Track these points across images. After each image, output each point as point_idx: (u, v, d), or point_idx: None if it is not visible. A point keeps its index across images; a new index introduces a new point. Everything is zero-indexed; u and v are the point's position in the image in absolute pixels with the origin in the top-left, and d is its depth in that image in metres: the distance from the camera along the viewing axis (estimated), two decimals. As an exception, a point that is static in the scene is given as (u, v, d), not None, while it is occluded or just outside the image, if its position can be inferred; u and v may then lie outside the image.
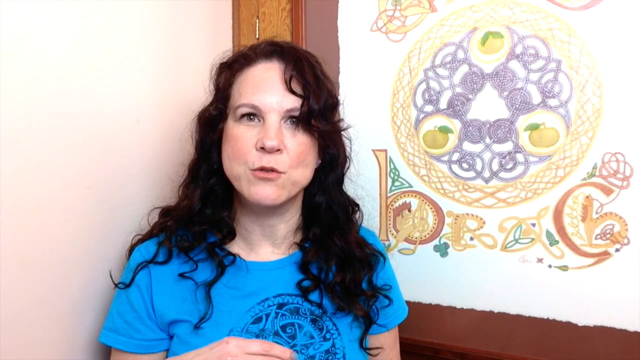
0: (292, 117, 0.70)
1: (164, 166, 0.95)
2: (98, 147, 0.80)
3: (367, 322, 0.76)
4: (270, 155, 0.68)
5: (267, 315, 0.73)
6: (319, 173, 0.77)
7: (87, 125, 0.78)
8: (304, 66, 0.71)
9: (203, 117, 0.77)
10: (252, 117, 0.71)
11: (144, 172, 0.91)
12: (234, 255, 0.75)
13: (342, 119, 0.82)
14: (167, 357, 0.73)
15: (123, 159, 0.86)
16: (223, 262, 0.73)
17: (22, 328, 0.70)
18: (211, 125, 0.75)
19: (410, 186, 1.01)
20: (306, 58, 0.73)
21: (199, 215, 0.75)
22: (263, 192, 0.69)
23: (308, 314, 0.74)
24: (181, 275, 0.73)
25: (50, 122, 0.72)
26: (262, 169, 0.68)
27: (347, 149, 0.81)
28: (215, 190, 0.76)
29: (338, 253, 0.77)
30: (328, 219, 0.78)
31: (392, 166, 1.03)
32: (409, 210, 1.02)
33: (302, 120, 0.70)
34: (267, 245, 0.78)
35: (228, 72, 0.75)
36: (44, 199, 0.71)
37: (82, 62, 0.77)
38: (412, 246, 1.02)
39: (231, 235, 0.76)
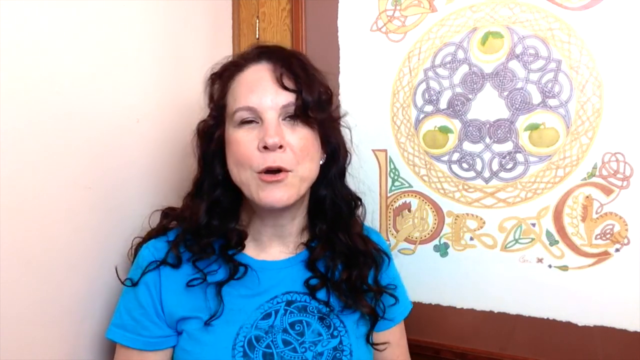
0: (289, 113, 0.71)
1: (164, 166, 0.95)
2: (98, 148, 0.80)
3: (373, 319, 0.77)
4: (274, 153, 0.68)
5: (277, 312, 0.73)
6: (323, 167, 0.78)
7: (87, 125, 0.78)
8: (293, 62, 0.72)
9: (202, 129, 0.77)
10: (250, 122, 0.71)
11: (144, 172, 0.91)
12: (246, 266, 0.74)
13: (339, 106, 0.83)
14: (173, 354, 0.73)
15: (123, 159, 0.86)
16: (238, 268, 0.73)
17: (24, 328, 0.70)
18: (210, 135, 0.75)
19: (410, 186, 1.01)
20: (294, 55, 0.75)
21: (206, 228, 0.75)
22: (274, 195, 0.69)
23: (316, 311, 0.75)
24: (190, 284, 0.72)
25: (50, 122, 0.72)
26: (268, 170, 0.69)
27: (348, 142, 0.82)
28: (221, 202, 0.76)
29: (343, 250, 0.78)
30: (332, 213, 0.79)
31: (392, 166, 1.03)
32: (409, 210, 1.02)
33: (299, 113, 0.70)
34: (276, 245, 0.79)
35: (220, 81, 0.76)
36: (44, 199, 0.71)
37: (82, 62, 0.77)
38: (412, 246, 1.02)
39: (241, 242, 0.76)
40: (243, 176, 0.71)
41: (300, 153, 0.70)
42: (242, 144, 0.70)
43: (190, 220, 0.75)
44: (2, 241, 0.66)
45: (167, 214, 0.81)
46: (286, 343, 0.71)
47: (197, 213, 0.75)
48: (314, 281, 0.76)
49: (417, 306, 1.00)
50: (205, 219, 0.75)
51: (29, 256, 0.70)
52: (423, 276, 1.01)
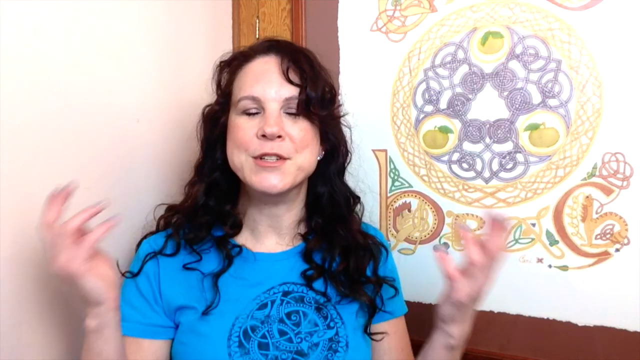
0: (291, 106, 0.72)
1: (164, 165, 0.95)
2: (97, 148, 0.80)
3: (372, 310, 0.77)
4: (272, 142, 0.70)
5: (272, 302, 0.74)
6: (321, 164, 0.79)
7: (86, 125, 0.78)
8: (301, 58, 0.74)
9: (207, 114, 0.79)
10: (254, 113, 0.72)
11: (144, 172, 0.91)
12: (240, 247, 0.76)
13: (341, 105, 0.84)
14: (172, 348, 0.74)
15: (123, 159, 0.86)
16: (231, 254, 0.75)
17: (24, 326, 0.70)
18: (214, 121, 0.77)
19: (410, 186, 1.01)
20: (302, 51, 0.77)
21: (203, 208, 0.77)
22: (268, 181, 0.70)
23: (312, 302, 0.75)
24: (186, 267, 0.74)
25: (49, 122, 0.72)
26: (264, 155, 0.70)
27: (348, 141, 0.83)
28: (219, 184, 0.78)
29: (341, 242, 0.78)
30: (330, 209, 0.80)
31: (392, 166, 1.03)
32: (409, 210, 1.02)
33: (301, 107, 0.72)
34: (272, 237, 0.79)
35: (228, 69, 0.78)
36: (44, 200, 0.71)
37: (81, 62, 0.77)
38: (412, 246, 1.02)
39: (237, 226, 0.78)
40: (237, 160, 0.72)
41: (299, 143, 0.72)
42: (242, 129, 0.72)
43: (189, 203, 0.77)
44: (2, 241, 0.66)
45: (171, 207, 0.82)
46: (282, 333, 0.72)
47: (195, 194, 0.77)
48: (310, 272, 0.77)
49: (417, 306, 1.00)
50: (202, 199, 0.77)
51: (29, 255, 0.70)
52: (423, 276, 1.01)
